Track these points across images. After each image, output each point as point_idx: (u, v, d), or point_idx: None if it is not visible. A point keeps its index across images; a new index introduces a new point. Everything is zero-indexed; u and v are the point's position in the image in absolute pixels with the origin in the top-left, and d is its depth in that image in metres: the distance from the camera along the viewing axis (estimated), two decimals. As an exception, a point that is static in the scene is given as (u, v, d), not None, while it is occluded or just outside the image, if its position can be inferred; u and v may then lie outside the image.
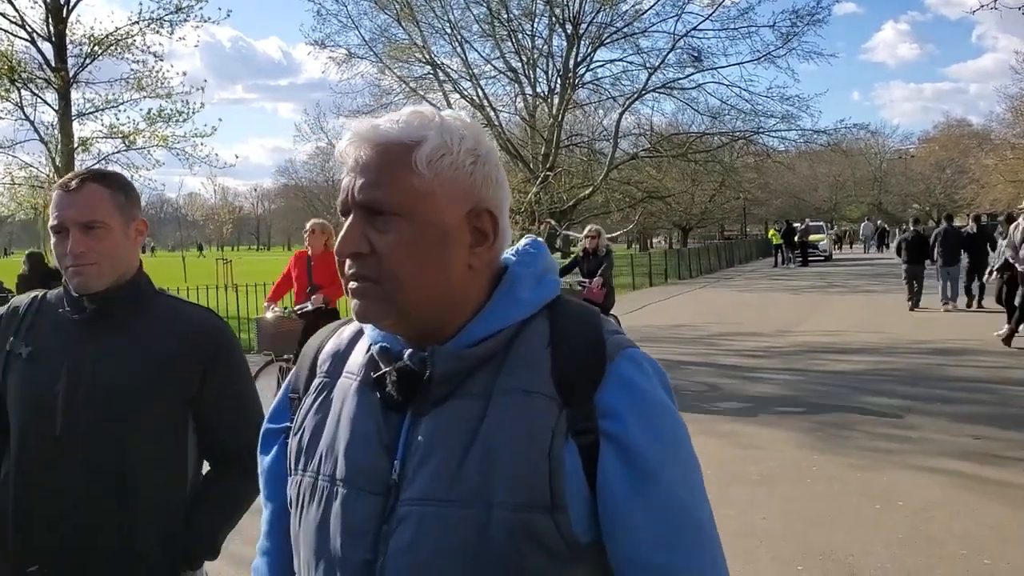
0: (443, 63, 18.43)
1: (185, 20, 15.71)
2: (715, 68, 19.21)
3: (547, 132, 18.54)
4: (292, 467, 1.07)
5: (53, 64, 15.04)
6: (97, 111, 15.84)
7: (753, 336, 12.22)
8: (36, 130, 15.35)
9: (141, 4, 15.47)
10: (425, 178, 0.95)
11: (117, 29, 15.48)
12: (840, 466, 5.50)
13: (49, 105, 15.42)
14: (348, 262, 0.97)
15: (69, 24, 15.14)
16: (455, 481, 0.92)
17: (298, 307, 6.98)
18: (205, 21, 16.02)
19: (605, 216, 25.69)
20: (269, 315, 6.94)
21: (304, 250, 7.28)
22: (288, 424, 1.11)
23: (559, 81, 18.97)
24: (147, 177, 16.69)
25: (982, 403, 7.32)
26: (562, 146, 19.42)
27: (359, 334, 1.09)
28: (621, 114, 19.41)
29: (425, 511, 0.92)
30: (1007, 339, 10.09)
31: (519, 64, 19.58)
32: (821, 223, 40.60)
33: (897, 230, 32.39)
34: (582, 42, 18.74)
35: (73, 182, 1.69)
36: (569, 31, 18.60)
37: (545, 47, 19.49)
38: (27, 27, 14.87)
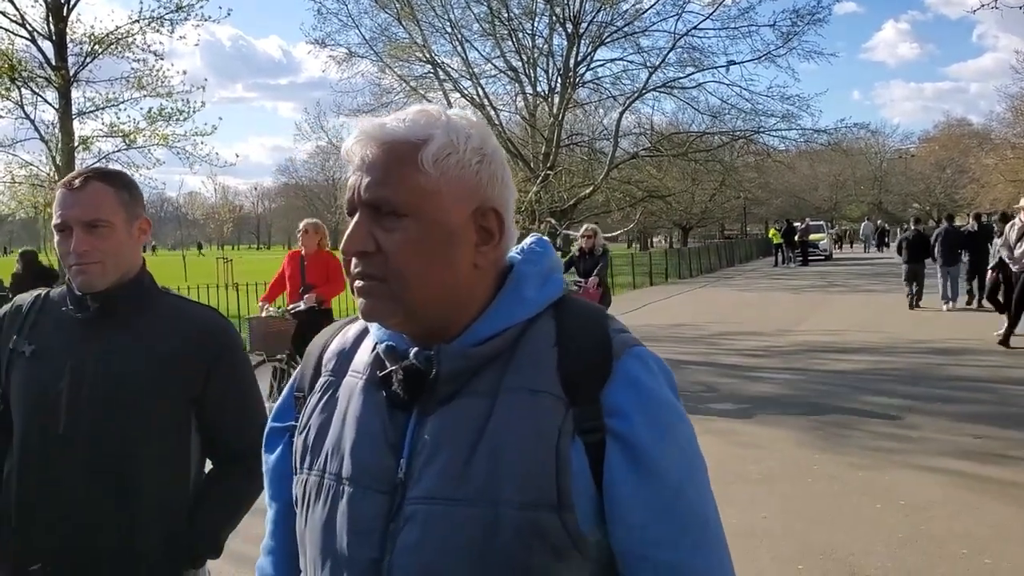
0: (443, 62, 18.43)
1: (185, 19, 15.71)
2: (715, 67, 19.18)
3: (547, 131, 18.52)
4: (298, 466, 1.07)
5: (53, 63, 15.03)
6: (97, 110, 15.84)
7: (753, 335, 12.22)
8: (36, 129, 15.35)
9: (141, 3, 15.48)
10: (431, 177, 0.95)
11: (117, 28, 15.48)
12: (841, 465, 5.50)
13: (49, 104, 15.42)
14: (354, 261, 0.97)
15: (69, 23, 15.13)
16: (462, 480, 0.92)
17: (291, 307, 6.97)
18: (206, 20, 16.00)
19: (605, 215, 25.65)
20: (263, 315, 6.95)
21: (297, 250, 7.26)
22: (293, 423, 1.11)
23: (559, 80, 18.96)
24: (147, 176, 16.72)
25: (983, 402, 7.32)
26: (562, 145, 19.40)
27: (364, 333, 1.09)
28: (621, 113, 19.39)
29: (432, 510, 0.93)
30: (1004, 341, 10.07)
31: (519, 63, 19.58)
32: (821, 222, 40.57)
33: (899, 229, 32.39)
34: (582, 41, 18.74)
35: (77, 180, 1.69)
36: (569, 30, 18.59)
37: (545, 46, 19.49)
38: (27, 26, 14.87)
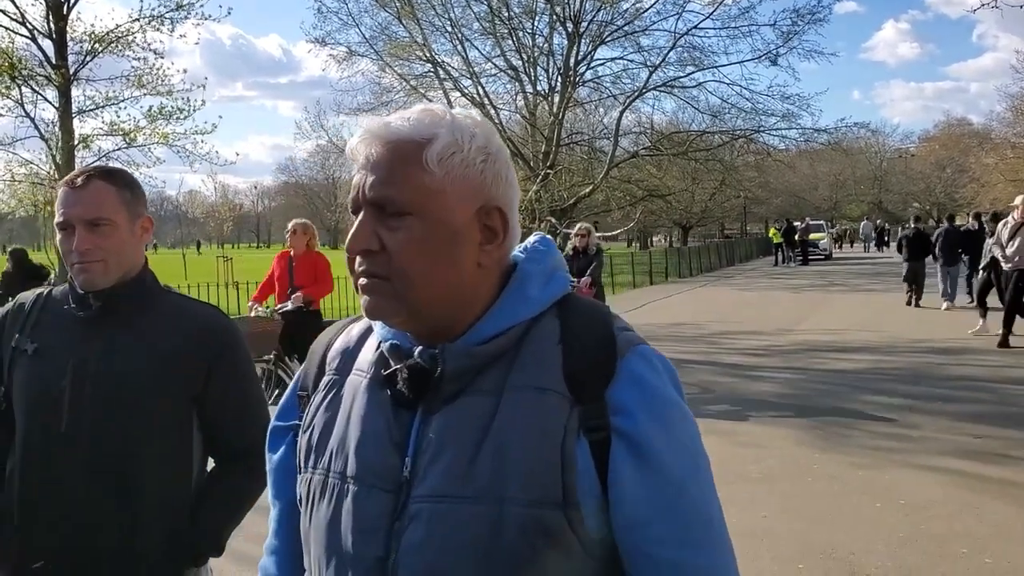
0: (443, 61, 18.38)
1: (186, 17, 15.69)
2: (716, 67, 19.15)
3: (547, 130, 18.48)
4: (302, 465, 1.07)
5: (54, 61, 15.01)
6: (98, 108, 15.81)
7: (753, 335, 12.23)
8: (36, 127, 15.33)
9: (142, 1, 15.45)
10: (436, 176, 0.95)
11: (118, 26, 15.46)
12: (841, 465, 5.50)
13: (49, 102, 15.39)
14: (358, 259, 0.97)
15: (70, 21, 15.11)
16: (467, 478, 0.92)
17: (279, 307, 6.96)
18: (206, 19, 15.98)
19: (606, 214, 25.64)
20: (252, 315, 6.94)
21: (287, 250, 7.25)
22: (296, 422, 1.11)
23: (560, 79, 18.91)
24: (147, 174, 16.67)
25: (983, 402, 7.32)
26: (563, 144, 19.36)
27: (368, 332, 1.09)
28: (622, 112, 19.33)
29: (437, 508, 0.93)
30: (1002, 342, 10.06)
31: (520, 62, 19.52)
32: (821, 222, 40.56)
33: (900, 228, 32.40)
34: (583, 40, 18.69)
35: (79, 179, 1.69)
36: (570, 29, 18.55)
37: (546, 45, 19.44)
38: (28, 24, 14.85)
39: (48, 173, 15.38)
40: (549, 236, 1.11)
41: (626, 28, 19.11)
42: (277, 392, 6.40)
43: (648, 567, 0.94)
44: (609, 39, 19.19)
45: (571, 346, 0.97)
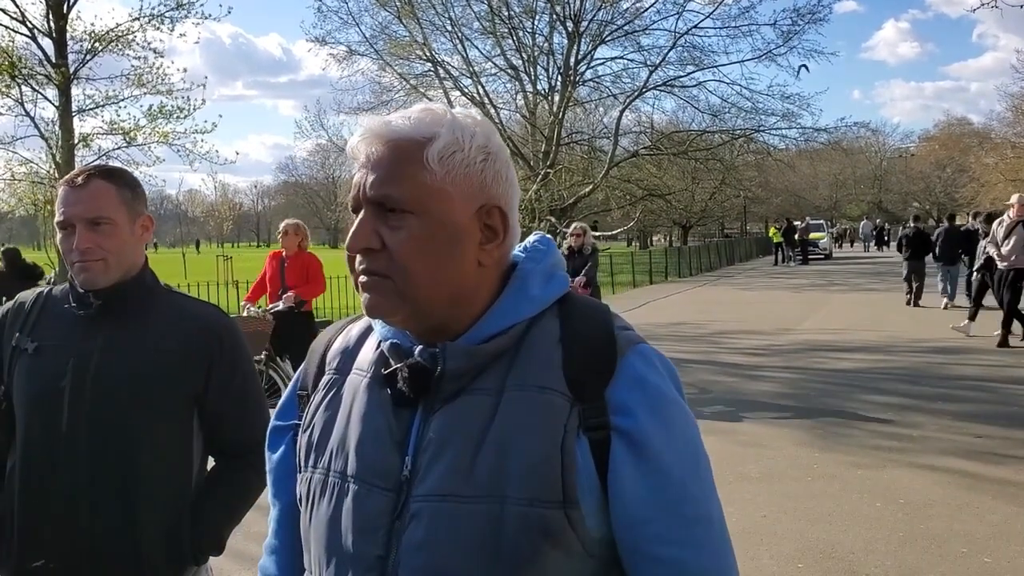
0: (444, 60, 18.38)
1: (186, 17, 15.67)
2: (716, 66, 19.15)
3: (547, 129, 18.48)
4: (302, 464, 1.07)
5: (54, 60, 15.00)
6: (97, 107, 15.80)
7: (754, 334, 12.23)
8: (36, 126, 15.33)
9: (142, 1, 15.48)
10: (436, 175, 0.95)
11: (118, 25, 15.45)
12: (841, 464, 5.50)
13: (49, 101, 15.39)
14: (359, 257, 0.97)
15: (70, 20, 15.10)
16: (467, 477, 0.92)
17: (270, 307, 6.96)
18: (206, 18, 15.96)
19: (606, 213, 25.65)
20: (244, 315, 6.93)
21: (279, 250, 7.25)
22: (296, 421, 1.11)
23: (560, 78, 18.91)
24: (147, 173, 16.64)
25: (983, 402, 7.32)
26: (562, 143, 19.35)
27: (368, 331, 1.09)
28: (622, 112, 19.33)
29: (437, 507, 0.93)
30: (1002, 342, 10.05)
31: (520, 61, 19.53)
32: (821, 221, 40.55)
33: (901, 227, 32.41)
34: (583, 40, 18.69)
35: (80, 178, 1.69)
36: (570, 28, 18.55)
37: (546, 44, 19.45)
38: (28, 23, 14.84)
39: (48, 172, 15.38)
40: (549, 235, 1.11)
41: (626, 27, 19.11)
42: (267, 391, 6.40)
43: (648, 566, 0.94)
44: (609, 38, 19.19)
45: (571, 345, 0.97)
